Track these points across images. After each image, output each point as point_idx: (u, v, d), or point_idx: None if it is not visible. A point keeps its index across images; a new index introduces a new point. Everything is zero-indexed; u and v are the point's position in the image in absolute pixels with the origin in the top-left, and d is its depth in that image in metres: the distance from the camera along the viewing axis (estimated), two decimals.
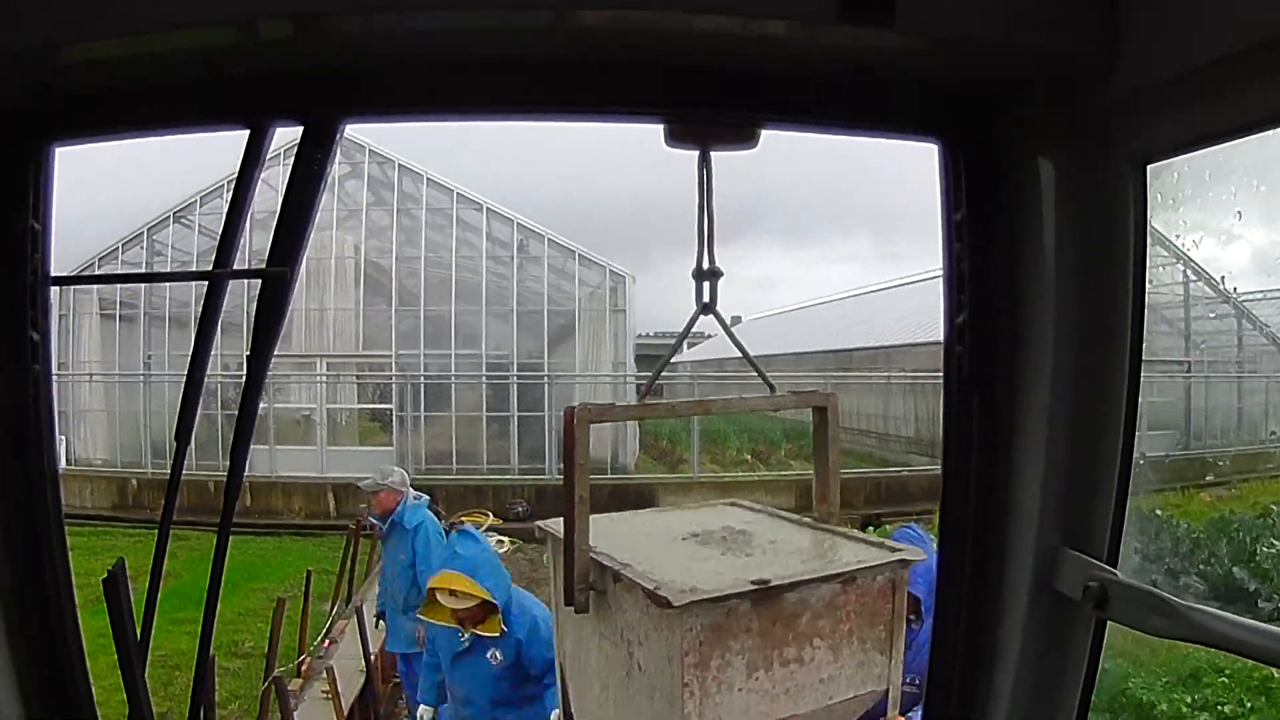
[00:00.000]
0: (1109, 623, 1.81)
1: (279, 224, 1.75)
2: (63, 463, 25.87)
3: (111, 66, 1.65)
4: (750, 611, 3.05)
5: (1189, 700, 8.40)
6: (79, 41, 1.58)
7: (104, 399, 27.36)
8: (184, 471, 2.05)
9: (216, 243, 1.86)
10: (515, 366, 27.09)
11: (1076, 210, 1.73)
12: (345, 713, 7.25)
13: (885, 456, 27.40)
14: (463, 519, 18.11)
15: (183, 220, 27.34)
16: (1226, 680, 8.64)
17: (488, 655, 5.79)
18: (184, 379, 1.90)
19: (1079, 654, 1.85)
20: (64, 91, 1.71)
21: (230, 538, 1.96)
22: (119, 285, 26.85)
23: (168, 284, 27.04)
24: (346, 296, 27.15)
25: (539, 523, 3.65)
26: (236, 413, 1.98)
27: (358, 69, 1.72)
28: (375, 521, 9.19)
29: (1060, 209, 1.73)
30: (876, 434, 29.51)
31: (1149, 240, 1.72)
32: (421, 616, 6.20)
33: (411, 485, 9.64)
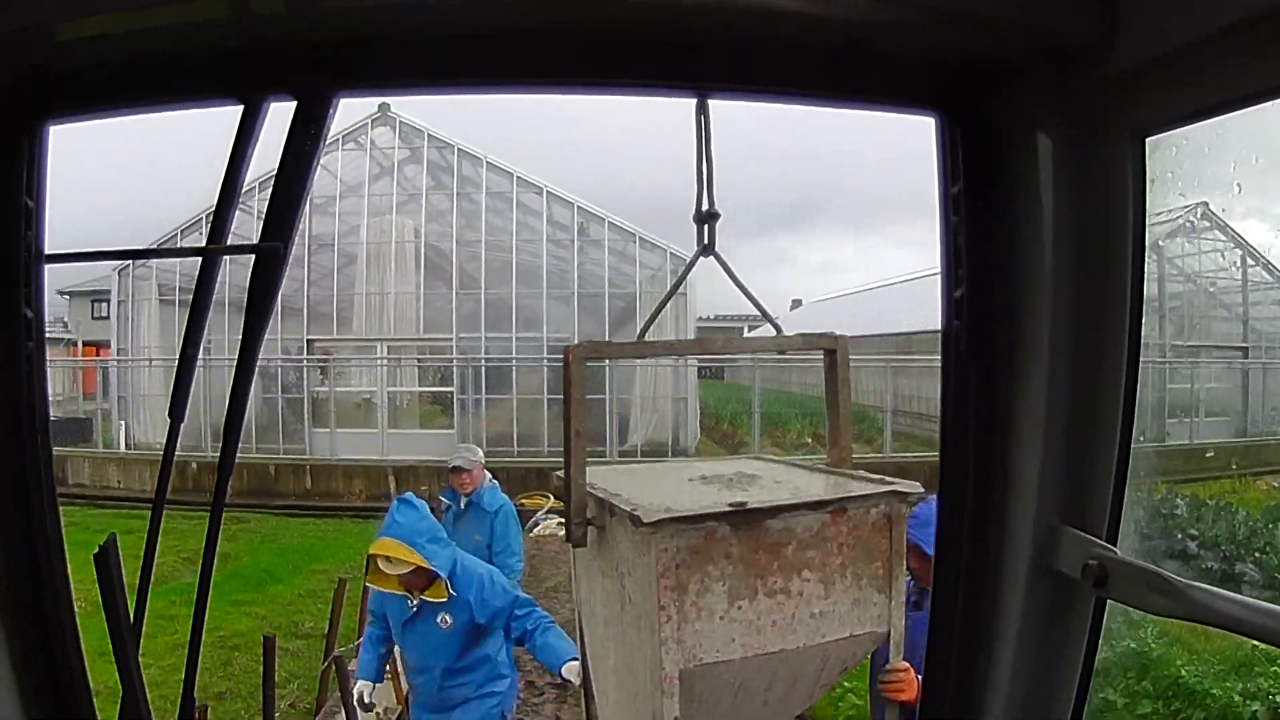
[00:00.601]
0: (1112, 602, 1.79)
1: (272, 199, 1.75)
2: (122, 446, 26.37)
3: (105, 43, 1.65)
4: (730, 536, 3.04)
5: (1240, 689, 8.26)
6: (73, 18, 1.58)
7: (163, 383, 27.79)
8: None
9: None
10: None
11: (1075, 184, 1.70)
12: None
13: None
14: (523, 501, 18.24)
15: (242, 205, 27.52)
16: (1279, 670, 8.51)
17: (438, 620, 5.87)
18: (178, 356, 1.89)
19: (1078, 633, 1.83)
20: (58, 69, 1.71)
21: (223, 516, 1.94)
22: (179, 270, 27.12)
23: (222, 265, 27.06)
24: (407, 280, 27.36)
25: (558, 474, 3.58)
26: (229, 391, 1.95)
27: (351, 42, 1.71)
28: (445, 500, 9.19)
29: (1058, 183, 1.71)
30: (937, 418, 29.25)
31: (1147, 218, 1.70)
32: (369, 583, 6.28)
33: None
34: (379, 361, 28.11)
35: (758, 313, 3.61)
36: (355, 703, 6.82)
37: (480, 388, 27.07)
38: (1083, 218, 1.71)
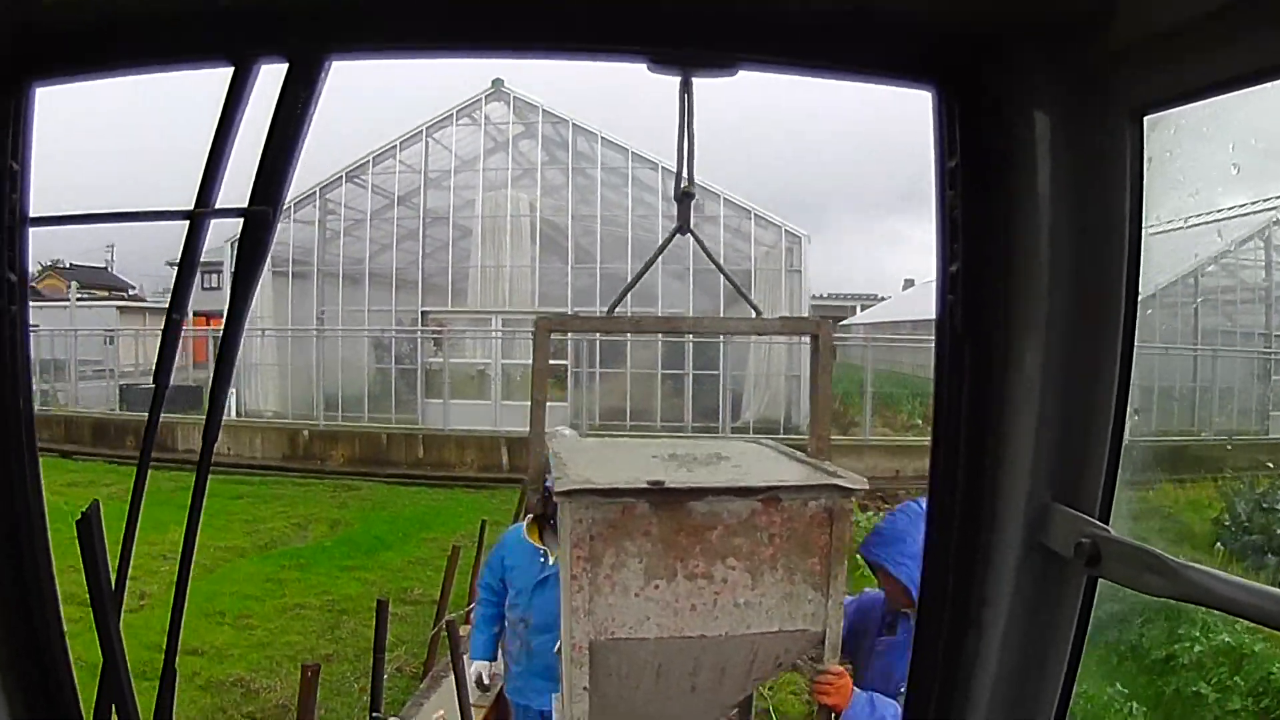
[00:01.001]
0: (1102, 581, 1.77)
1: (261, 163, 1.72)
2: (232, 414, 27.13)
3: (92, 4, 1.66)
4: (650, 514, 3.05)
5: None
6: None
7: (276, 353, 28.50)
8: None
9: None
10: None
11: (1072, 161, 1.68)
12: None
13: None
14: None
15: (355, 180, 28.30)
16: None
17: None
18: (163, 319, 1.84)
19: (1069, 612, 1.81)
20: (44, 30, 1.70)
21: (208, 479, 1.92)
22: (292, 243, 27.81)
23: (333, 238, 27.48)
24: (523, 254, 27.65)
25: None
26: (218, 350, 1.92)
27: (345, 3, 1.71)
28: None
29: (1056, 159, 1.68)
30: None
31: (1144, 194, 1.67)
32: (527, 537, 6.32)
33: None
34: (494, 334, 28.45)
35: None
36: (475, 683, 6.97)
37: (595, 361, 27.25)
38: (1080, 195, 1.69)
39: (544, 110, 27.36)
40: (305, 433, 26.07)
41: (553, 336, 3.59)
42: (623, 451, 4.18)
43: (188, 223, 1.71)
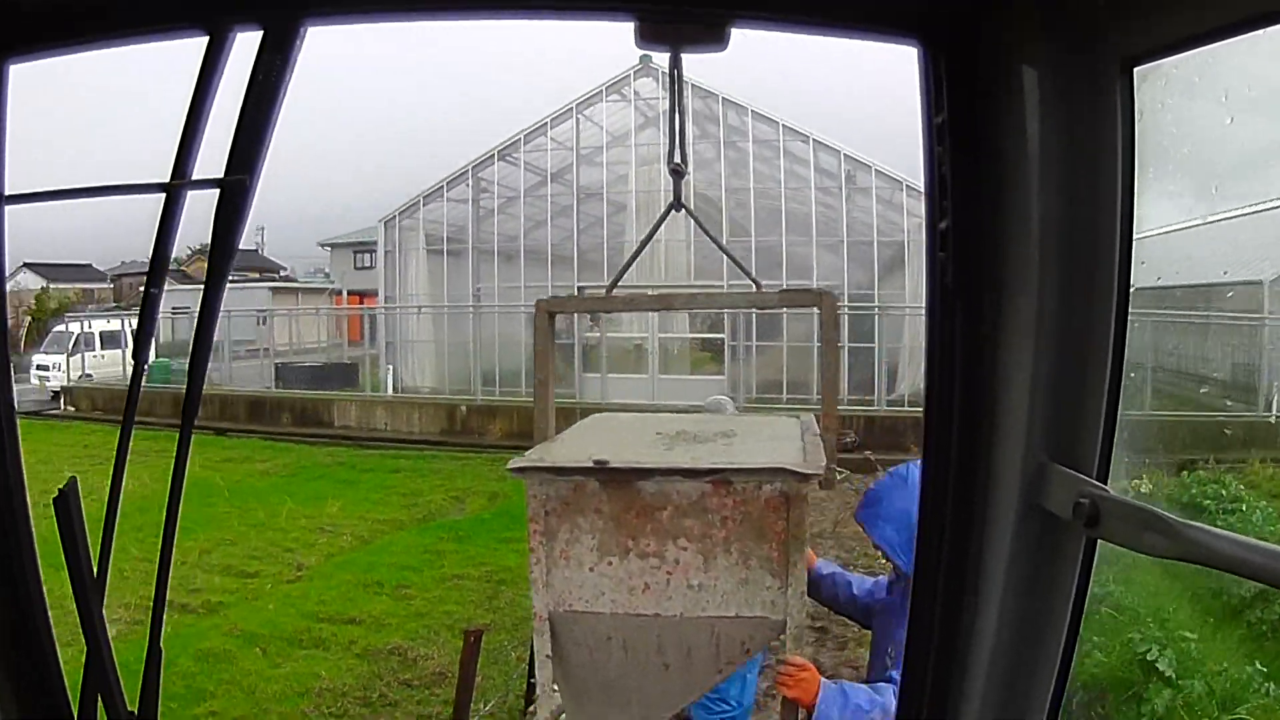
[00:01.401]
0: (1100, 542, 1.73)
1: (237, 131, 1.70)
2: (389, 390, 27.84)
3: None
4: (600, 492, 3.13)
5: None
6: None
7: (432, 330, 29.14)
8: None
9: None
10: (846, 297, 26.91)
11: (1061, 113, 1.64)
12: None
13: (1202, 400, 25.51)
14: None
15: (507, 158, 28.70)
16: None
17: None
18: (142, 294, 1.83)
19: (1068, 575, 1.77)
20: (17, 6, 1.69)
21: (189, 450, 1.83)
22: (446, 221, 28.37)
23: (489, 217, 27.71)
24: (678, 228, 27.60)
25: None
26: (196, 321, 1.86)
27: None
28: None
29: (1045, 112, 1.64)
30: (1195, 375, 27.41)
31: (1136, 149, 1.63)
32: None
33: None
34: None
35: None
36: None
37: (751, 334, 27.19)
38: (1070, 149, 1.65)
39: (693, 84, 27.24)
40: (463, 408, 26.66)
41: (558, 317, 3.66)
42: (633, 430, 4.23)
43: (164, 196, 1.69)
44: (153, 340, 1.85)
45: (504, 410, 26.66)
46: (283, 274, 66.83)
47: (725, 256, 3.88)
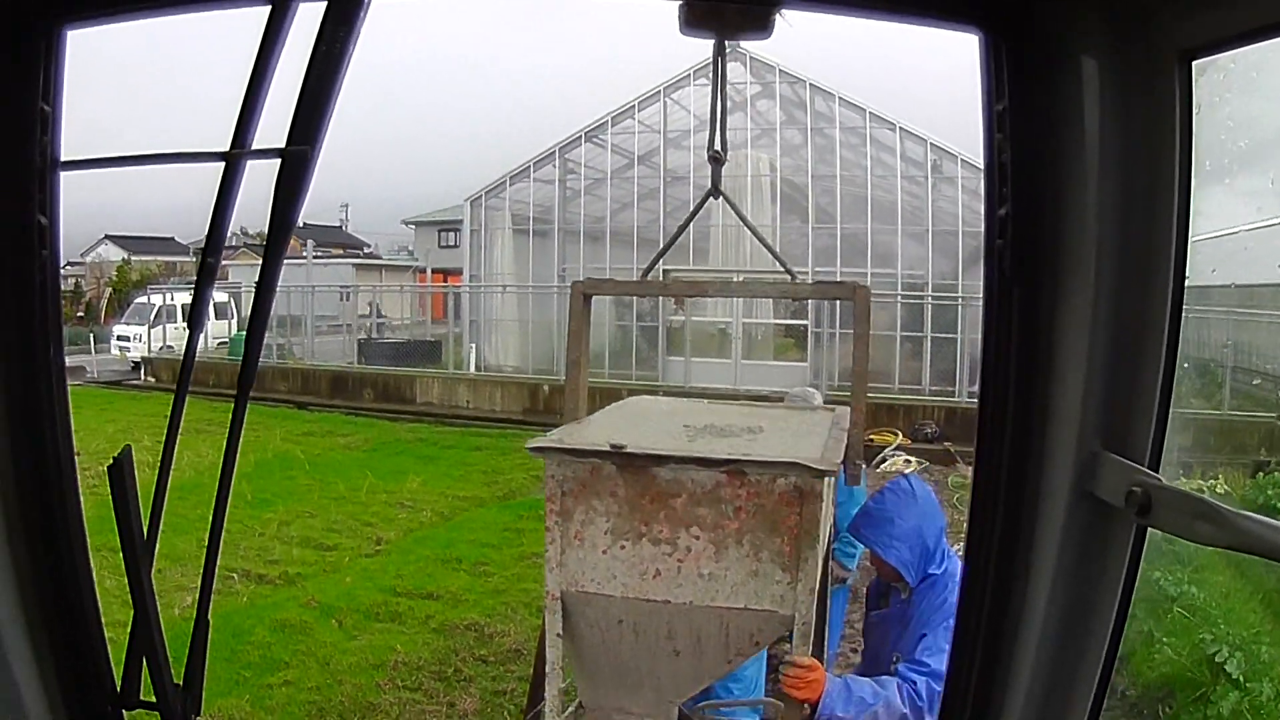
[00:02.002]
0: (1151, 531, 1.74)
1: (299, 103, 1.68)
2: (472, 368, 28.06)
3: None
4: (615, 476, 3.17)
5: None
6: None
7: (516, 309, 29.34)
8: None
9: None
10: (930, 287, 26.68)
11: (1119, 104, 1.65)
12: None
13: None
14: (871, 437, 18.13)
15: (594, 139, 28.81)
16: None
17: None
18: (197, 264, 1.83)
19: (1119, 563, 1.78)
20: None
21: (244, 419, 1.82)
22: (532, 199, 28.53)
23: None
24: (763, 214, 27.55)
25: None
26: (254, 294, 1.88)
27: None
28: None
29: (1104, 102, 1.65)
30: (1274, 376, 26.63)
31: (1194, 142, 1.63)
32: None
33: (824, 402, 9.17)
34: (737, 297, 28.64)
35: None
36: None
37: (834, 322, 27.00)
38: (1128, 140, 1.66)
39: (780, 70, 27.18)
40: (545, 387, 26.76)
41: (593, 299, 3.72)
42: (662, 418, 4.27)
43: (224, 164, 1.68)
44: (208, 308, 1.81)
45: (587, 391, 26.41)
46: (366, 250, 67.64)
47: (765, 246, 3.89)
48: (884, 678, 3.72)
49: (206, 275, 1.74)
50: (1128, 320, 1.71)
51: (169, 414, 1.79)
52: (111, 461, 1.74)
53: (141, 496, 1.77)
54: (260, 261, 1.84)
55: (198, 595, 1.92)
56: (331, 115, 1.70)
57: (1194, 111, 1.61)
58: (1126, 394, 1.73)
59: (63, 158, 1.75)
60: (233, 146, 1.67)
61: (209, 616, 1.89)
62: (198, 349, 1.97)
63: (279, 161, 1.69)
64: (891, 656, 3.83)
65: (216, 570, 1.91)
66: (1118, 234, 1.68)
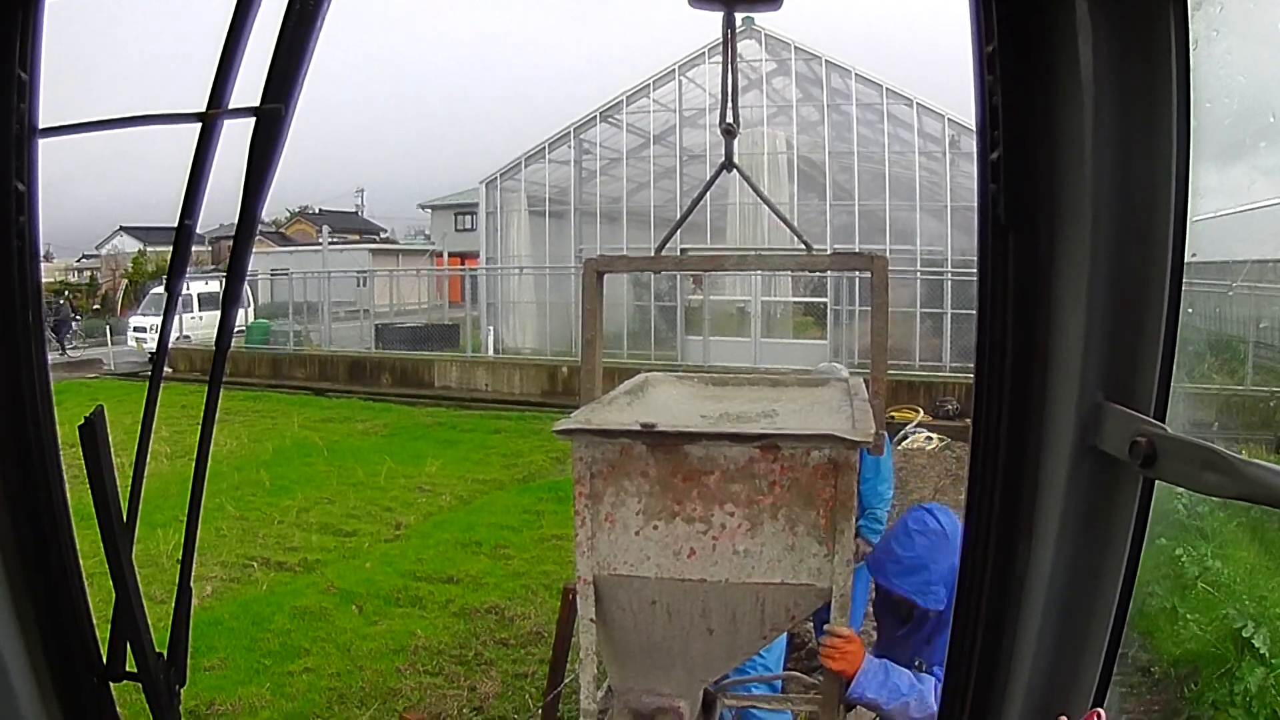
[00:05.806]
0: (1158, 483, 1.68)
1: (274, 60, 1.68)
2: (490, 351, 28.11)
3: None
4: (647, 455, 3.10)
5: None
6: None
7: (533, 291, 29.38)
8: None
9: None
10: (950, 264, 26.55)
11: (1114, 40, 1.58)
12: None
13: None
14: (893, 414, 18.09)
15: (610, 119, 28.83)
16: None
17: None
18: (174, 228, 1.80)
19: (1125, 516, 1.72)
20: None
21: (219, 396, 1.85)
22: (548, 180, 28.51)
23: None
24: (780, 191, 27.46)
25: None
26: (227, 264, 1.87)
27: None
28: None
29: (1097, 38, 1.58)
30: None
31: (1191, 79, 1.57)
32: None
33: None
34: (754, 271, 28.59)
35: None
36: None
37: (854, 299, 26.91)
38: (1124, 78, 1.59)
39: (796, 47, 27.07)
40: (564, 369, 26.70)
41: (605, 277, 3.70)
42: (686, 395, 4.26)
43: (200, 125, 1.68)
44: (186, 272, 1.84)
45: (606, 372, 26.16)
46: (383, 235, 68.04)
47: (782, 220, 3.84)
48: (923, 674, 3.67)
49: (184, 237, 1.76)
50: (1128, 265, 1.65)
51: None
52: (83, 422, 1.74)
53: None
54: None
55: (179, 566, 1.91)
56: (306, 73, 1.69)
57: (1190, 46, 1.55)
58: (1129, 342, 1.67)
59: (40, 125, 1.75)
60: (209, 106, 1.67)
61: (190, 586, 1.89)
62: (168, 323, 1.95)
63: (253, 120, 1.68)
64: (913, 662, 3.77)
65: (197, 543, 1.91)
66: (1115, 175, 1.62)
